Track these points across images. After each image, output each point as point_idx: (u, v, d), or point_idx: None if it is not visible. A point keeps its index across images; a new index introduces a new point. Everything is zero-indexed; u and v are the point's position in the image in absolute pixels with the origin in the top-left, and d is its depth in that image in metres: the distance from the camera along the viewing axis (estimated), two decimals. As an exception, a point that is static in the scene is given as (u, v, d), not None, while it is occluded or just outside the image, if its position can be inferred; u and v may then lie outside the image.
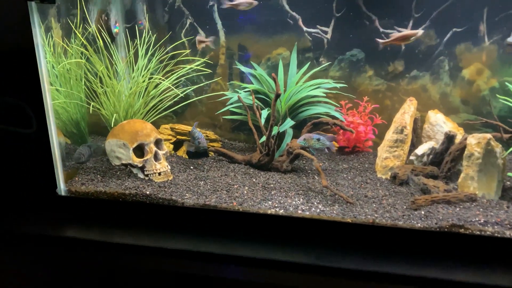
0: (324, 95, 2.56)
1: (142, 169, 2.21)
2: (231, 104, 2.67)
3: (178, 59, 2.62)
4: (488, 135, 1.96)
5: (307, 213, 1.88)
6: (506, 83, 2.30)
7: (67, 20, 2.41)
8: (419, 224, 1.76)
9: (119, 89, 2.44)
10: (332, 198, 2.00)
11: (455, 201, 1.90)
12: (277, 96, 2.23)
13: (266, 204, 1.94)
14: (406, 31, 2.25)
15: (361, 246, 1.78)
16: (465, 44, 2.43)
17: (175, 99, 2.61)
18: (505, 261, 1.67)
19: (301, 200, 1.98)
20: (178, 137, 2.68)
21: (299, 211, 1.89)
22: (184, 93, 2.59)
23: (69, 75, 2.43)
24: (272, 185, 2.13)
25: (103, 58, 2.36)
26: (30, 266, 2.11)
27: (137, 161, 2.19)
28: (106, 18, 2.43)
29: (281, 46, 2.68)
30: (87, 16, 2.42)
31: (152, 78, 2.50)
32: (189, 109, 2.88)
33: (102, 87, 2.40)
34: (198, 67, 2.63)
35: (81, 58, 2.41)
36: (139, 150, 2.23)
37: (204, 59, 2.66)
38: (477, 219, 1.76)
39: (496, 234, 1.70)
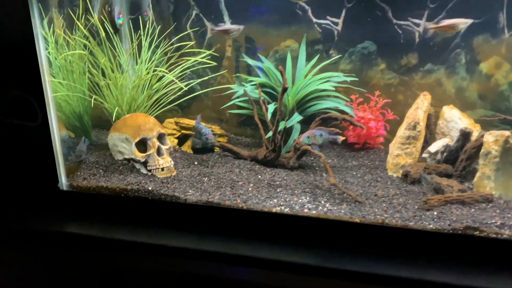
0: (334, 89, 2.51)
1: (144, 164, 2.17)
2: (237, 98, 2.63)
3: (183, 51, 2.58)
4: (507, 133, 1.88)
5: (314, 212, 1.83)
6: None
7: (69, 11, 2.39)
8: (431, 226, 1.71)
9: (122, 82, 2.40)
10: (340, 196, 1.95)
11: (470, 202, 1.84)
12: (284, 89, 2.18)
13: (271, 202, 1.90)
14: (457, 19, 2.20)
15: (369, 248, 1.73)
16: (483, 36, 2.35)
17: (180, 93, 2.57)
18: (523, 266, 1.61)
19: (307, 198, 1.93)
20: (182, 131, 2.65)
21: (306, 210, 1.84)
22: (189, 86, 2.55)
23: (71, 67, 2.41)
24: (278, 183, 2.09)
25: (106, 50, 2.34)
26: (31, 262, 2.11)
27: (139, 156, 2.16)
28: (109, 9, 2.40)
29: (290, 38, 2.63)
30: (90, 7, 2.39)
31: (156, 70, 2.47)
32: (195, 103, 2.85)
33: (104, 80, 2.38)
34: (204, 60, 2.58)
35: (84, 50, 2.38)
36: (142, 145, 2.20)
37: (210, 51, 2.62)
38: (493, 221, 1.69)
39: (513, 238, 1.64)
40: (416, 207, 1.84)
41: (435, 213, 1.77)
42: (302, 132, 2.42)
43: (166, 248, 1.79)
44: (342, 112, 2.49)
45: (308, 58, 2.62)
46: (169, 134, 2.57)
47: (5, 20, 1.92)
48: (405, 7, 2.38)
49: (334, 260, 1.66)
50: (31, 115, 2.01)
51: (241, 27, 2.46)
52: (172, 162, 2.21)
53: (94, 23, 2.42)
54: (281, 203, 1.88)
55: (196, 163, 2.37)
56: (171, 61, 2.56)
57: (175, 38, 2.64)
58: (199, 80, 2.72)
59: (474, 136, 2.14)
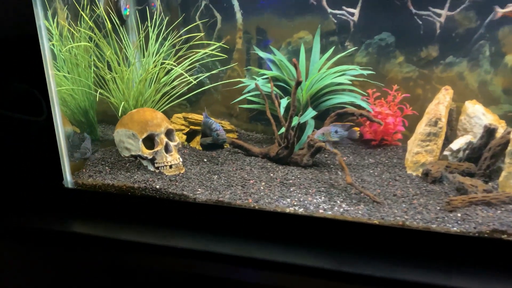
0: (350, 82, 2.43)
1: (152, 161, 2.11)
2: (248, 92, 2.57)
3: (192, 43, 2.51)
4: (536, 130, 1.81)
5: (329, 212, 1.77)
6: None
7: (74, 2, 2.33)
8: (455, 228, 1.64)
9: (129, 75, 2.34)
10: (357, 196, 1.89)
11: (496, 203, 1.77)
12: (298, 83, 2.13)
13: (284, 202, 1.84)
14: None
15: (389, 251, 1.67)
16: (509, 26, 2.25)
17: (189, 86, 2.51)
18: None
19: (322, 198, 1.87)
20: (191, 127, 2.59)
21: (321, 211, 1.78)
22: (197, 80, 2.48)
23: (76, 60, 2.35)
24: (291, 181, 2.03)
25: (112, 42, 2.27)
26: (35, 260, 2.08)
27: (147, 152, 2.09)
28: (115, 0, 2.33)
29: (303, 29, 2.57)
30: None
31: (164, 63, 2.40)
32: (204, 97, 2.80)
33: (110, 74, 2.32)
34: (213, 52, 2.50)
35: (89, 43, 2.32)
36: (150, 141, 2.15)
37: (220, 43, 2.54)
38: (522, 224, 1.62)
39: (545, 243, 1.56)
40: (438, 208, 1.78)
41: (459, 214, 1.71)
42: (316, 127, 2.36)
43: (174, 249, 1.75)
44: (359, 107, 2.41)
45: (323, 51, 2.56)
46: (177, 130, 2.51)
47: (7, 11, 1.87)
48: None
49: (351, 264, 1.61)
50: (35, 110, 1.97)
51: None
52: (181, 159, 2.15)
53: (99, 14, 2.37)
54: (295, 203, 1.83)
55: (205, 160, 2.31)
56: (179, 54, 2.50)
57: (183, 30, 2.58)
58: (208, 74, 2.67)
59: (499, 133, 2.06)
